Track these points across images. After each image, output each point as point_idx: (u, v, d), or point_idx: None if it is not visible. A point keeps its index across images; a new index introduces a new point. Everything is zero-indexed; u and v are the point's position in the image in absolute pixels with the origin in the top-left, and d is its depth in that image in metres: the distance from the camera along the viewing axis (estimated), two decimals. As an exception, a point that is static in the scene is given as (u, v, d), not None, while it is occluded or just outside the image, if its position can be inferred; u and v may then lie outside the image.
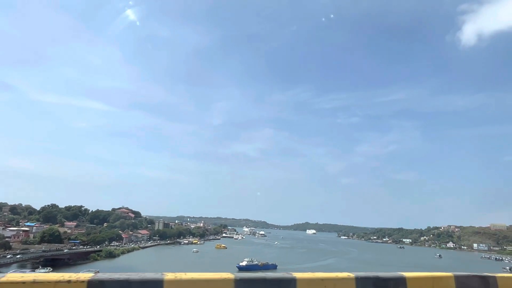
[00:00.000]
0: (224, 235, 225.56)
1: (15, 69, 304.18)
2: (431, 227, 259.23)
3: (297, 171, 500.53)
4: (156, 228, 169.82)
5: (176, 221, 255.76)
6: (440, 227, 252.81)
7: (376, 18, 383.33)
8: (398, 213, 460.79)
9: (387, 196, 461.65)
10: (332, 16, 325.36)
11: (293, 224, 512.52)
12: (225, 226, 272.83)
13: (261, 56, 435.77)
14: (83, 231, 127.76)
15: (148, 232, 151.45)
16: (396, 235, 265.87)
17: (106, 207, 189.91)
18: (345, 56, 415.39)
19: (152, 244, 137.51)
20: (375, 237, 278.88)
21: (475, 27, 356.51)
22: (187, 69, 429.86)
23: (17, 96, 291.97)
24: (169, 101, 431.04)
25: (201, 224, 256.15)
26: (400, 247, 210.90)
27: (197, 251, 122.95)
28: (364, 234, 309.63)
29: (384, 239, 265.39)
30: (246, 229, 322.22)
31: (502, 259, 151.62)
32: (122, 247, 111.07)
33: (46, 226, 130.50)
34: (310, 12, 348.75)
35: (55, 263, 74.97)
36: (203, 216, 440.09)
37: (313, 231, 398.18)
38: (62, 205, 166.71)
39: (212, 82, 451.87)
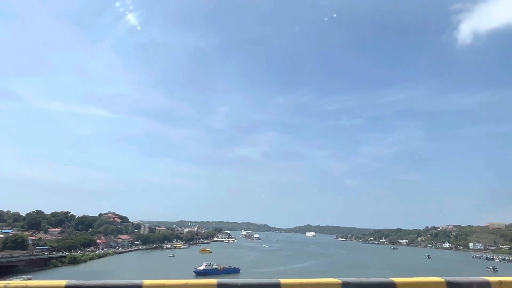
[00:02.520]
0: (215, 239, 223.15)
1: (18, 77, 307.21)
2: (429, 227, 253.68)
3: (300, 174, 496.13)
4: (141, 232, 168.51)
5: (174, 226, 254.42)
6: (438, 227, 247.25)
7: (375, 18, 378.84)
8: (399, 214, 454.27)
9: (389, 197, 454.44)
10: (334, 15, 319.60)
11: (294, 227, 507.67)
12: (219, 230, 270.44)
13: (262, 59, 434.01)
14: (61, 237, 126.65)
15: (129, 237, 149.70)
16: (393, 236, 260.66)
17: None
18: (345, 57, 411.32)
19: (131, 249, 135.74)
20: (372, 238, 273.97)
21: (471, 26, 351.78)
22: (188, 74, 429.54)
23: (20, 105, 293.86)
24: (171, 106, 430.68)
25: (195, 229, 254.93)
26: (393, 248, 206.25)
27: (173, 256, 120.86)
28: (362, 235, 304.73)
29: (381, 240, 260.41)
30: (244, 232, 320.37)
31: (493, 258, 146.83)
32: (93, 253, 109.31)
33: (26, 233, 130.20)
34: (311, 14, 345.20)
35: (8, 271, 73.38)
36: (205, 221, 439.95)
37: (313, 233, 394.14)
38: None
39: (214, 87, 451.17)
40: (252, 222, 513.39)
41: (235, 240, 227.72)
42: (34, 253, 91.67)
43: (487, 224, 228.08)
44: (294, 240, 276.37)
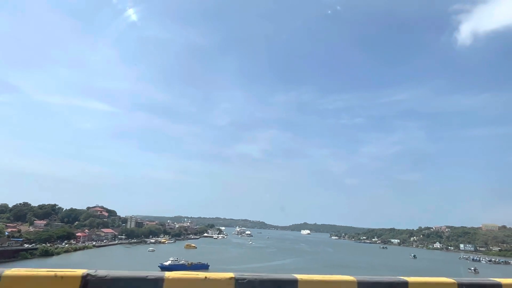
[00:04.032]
0: (205, 234, 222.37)
1: (18, 70, 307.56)
2: (423, 227, 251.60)
3: (300, 172, 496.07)
4: (128, 226, 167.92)
5: (168, 221, 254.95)
6: (432, 228, 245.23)
7: (377, 17, 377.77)
8: (395, 214, 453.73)
9: (387, 197, 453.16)
10: (338, 7, 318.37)
11: (291, 224, 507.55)
12: (211, 226, 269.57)
13: (264, 56, 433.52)
14: (41, 230, 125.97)
15: (113, 231, 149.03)
16: (386, 236, 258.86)
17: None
18: (347, 56, 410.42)
19: (112, 243, 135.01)
20: (365, 238, 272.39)
21: (471, 27, 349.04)
22: (189, 70, 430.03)
23: (21, 97, 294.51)
24: (172, 102, 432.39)
25: (187, 224, 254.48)
26: (382, 247, 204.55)
27: (153, 250, 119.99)
28: (356, 234, 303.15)
29: (373, 240, 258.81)
30: (237, 229, 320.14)
31: (479, 260, 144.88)
32: (70, 245, 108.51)
33: (10, 225, 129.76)
34: (313, 11, 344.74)
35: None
36: (202, 216, 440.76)
37: (308, 231, 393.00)
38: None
39: (215, 83, 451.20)
40: (249, 219, 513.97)
41: (225, 237, 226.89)
42: (7, 245, 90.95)
43: (481, 226, 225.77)
44: (286, 237, 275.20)
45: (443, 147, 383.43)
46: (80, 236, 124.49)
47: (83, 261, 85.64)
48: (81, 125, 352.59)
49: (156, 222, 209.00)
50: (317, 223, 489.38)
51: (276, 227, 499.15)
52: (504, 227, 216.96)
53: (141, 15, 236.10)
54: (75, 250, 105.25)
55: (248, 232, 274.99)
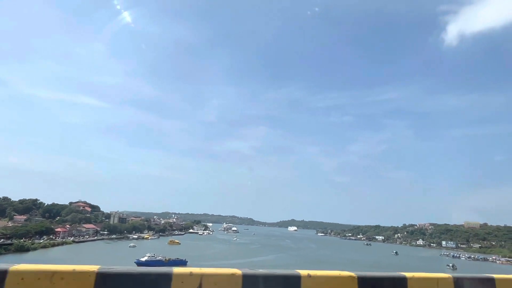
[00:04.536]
0: (191, 230, 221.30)
1: (3, 62, 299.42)
2: (407, 224, 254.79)
3: (289, 169, 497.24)
4: (111, 222, 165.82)
5: (155, 217, 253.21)
6: (416, 225, 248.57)
7: (367, 16, 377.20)
8: (381, 211, 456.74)
9: (374, 195, 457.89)
10: (328, 6, 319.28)
11: (279, 221, 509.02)
12: (198, 222, 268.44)
13: (255, 53, 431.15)
14: (20, 225, 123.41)
15: (95, 226, 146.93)
16: (371, 232, 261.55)
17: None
18: (338, 54, 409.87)
19: (93, 238, 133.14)
20: (350, 234, 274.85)
21: (457, 28, 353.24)
22: (180, 66, 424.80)
23: (7, 90, 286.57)
24: (162, 98, 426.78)
25: (172, 220, 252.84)
26: (366, 244, 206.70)
27: (134, 246, 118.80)
28: (342, 231, 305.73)
29: (358, 236, 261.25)
30: (224, 225, 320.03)
31: (459, 256, 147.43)
32: (48, 241, 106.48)
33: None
34: (303, 9, 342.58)
35: None
36: (190, 212, 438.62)
37: (294, 228, 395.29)
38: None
39: (205, 79, 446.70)
40: (237, 216, 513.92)
41: (211, 233, 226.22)
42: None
43: (463, 223, 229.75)
44: (273, 234, 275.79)
45: (430, 146, 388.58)
46: (60, 231, 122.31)
47: (60, 257, 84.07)
48: (69, 119, 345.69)
49: (142, 218, 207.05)
50: (305, 219, 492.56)
51: (264, 224, 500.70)
52: (485, 224, 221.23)
53: (131, 8, 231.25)
54: (53, 245, 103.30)
55: (234, 228, 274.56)
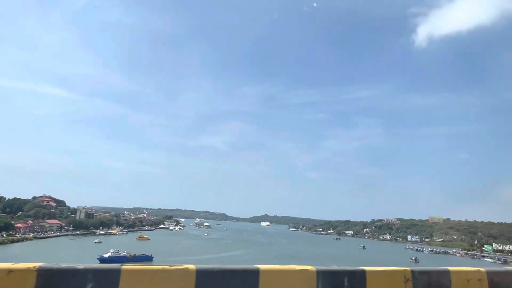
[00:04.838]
0: (161, 226, 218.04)
1: None
2: (375, 219, 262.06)
3: (263, 165, 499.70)
4: (77, 217, 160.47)
5: (125, 212, 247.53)
6: (384, 220, 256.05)
7: (342, 15, 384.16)
8: (352, 207, 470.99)
9: (346, 191, 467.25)
10: (305, 8, 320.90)
11: (252, 216, 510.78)
12: (169, 217, 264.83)
13: (232, 48, 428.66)
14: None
15: (59, 222, 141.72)
16: (341, 227, 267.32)
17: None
18: (314, 52, 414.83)
19: (57, 234, 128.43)
20: (321, 229, 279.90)
21: (427, 30, 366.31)
22: (154, 58, 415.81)
23: None
24: (135, 90, 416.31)
25: (144, 215, 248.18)
26: (336, 239, 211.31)
27: (100, 242, 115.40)
28: (313, 226, 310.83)
29: (329, 231, 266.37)
30: (197, 220, 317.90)
31: (422, 250, 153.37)
32: (7, 237, 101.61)
33: None
34: (281, 6, 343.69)
35: None
36: (162, 208, 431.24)
37: (267, 223, 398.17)
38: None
39: (181, 72, 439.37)
40: (211, 211, 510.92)
41: (182, 228, 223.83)
42: None
43: (428, 218, 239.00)
44: (245, 229, 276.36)
45: (400, 144, 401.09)
46: (21, 227, 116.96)
47: (17, 253, 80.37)
48: (34, 110, 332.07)
49: (111, 213, 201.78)
50: (278, 215, 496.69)
51: (238, 219, 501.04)
52: (448, 219, 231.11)
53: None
54: (12, 242, 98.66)
55: (206, 223, 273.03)
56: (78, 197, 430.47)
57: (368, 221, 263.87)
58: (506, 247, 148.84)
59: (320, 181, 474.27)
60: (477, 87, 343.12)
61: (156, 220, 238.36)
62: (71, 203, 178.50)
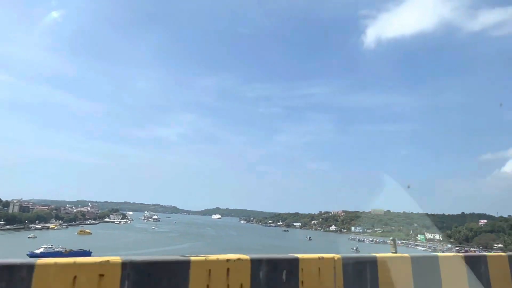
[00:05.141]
0: (106, 219, 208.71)
1: None
2: (323, 211, 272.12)
3: (215, 158, 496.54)
4: (10, 211, 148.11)
5: (67, 205, 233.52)
6: (330, 212, 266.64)
7: (296, 12, 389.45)
8: (302, 199, 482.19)
9: (296, 184, 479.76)
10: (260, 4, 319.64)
11: (204, 209, 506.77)
12: (115, 211, 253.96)
13: (187, 37, 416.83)
14: None
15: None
16: (290, 219, 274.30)
17: None
18: (269, 47, 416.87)
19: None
20: (271, 221, 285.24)
21: (375, 32, 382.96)
22: (102, 43, 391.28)
23: None
24: (80, 76, 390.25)
25: (87, 208, 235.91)
26: (284, 231, 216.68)
27: (35, 237, 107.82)
28: (263, 218, 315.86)
29: (278, 223, 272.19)
30: (146, 213, 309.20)
31: (364, 240, 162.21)
32: None
33: None
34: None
35: None
36: (109, 201, 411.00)
37: (218, 216, 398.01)
38: None
39: (131, 60, 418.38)
40: (161, 204, 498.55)
41: (129, 222, 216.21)
42: None
43: (370, 211, 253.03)
44: (195, 222, 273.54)
45: (348, 140, 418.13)
46: None
47: None
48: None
49: (50, 206, 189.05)
50: (230, 208, 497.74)
51: (189, 212, 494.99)
52: (388, 211, 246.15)
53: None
54: None
55: (155, 216, 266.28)
56: (11, 189, 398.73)
57: (316, 213, 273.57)
58: (436, 236, 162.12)
59: (272, 174, 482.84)
60: (417, 88, 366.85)
61: (100, 213, 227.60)
62: (4, 196, 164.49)
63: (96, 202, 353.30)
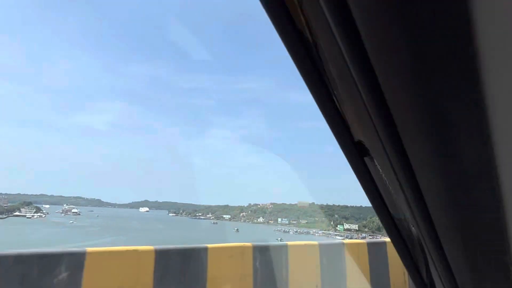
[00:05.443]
0: (17, 213, 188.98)
1: None
2: (252, 204, 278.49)
3: (145, 148, 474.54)
4: None
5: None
6: (259, 204, 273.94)
7: (238, 8, 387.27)
8: (232, 192, 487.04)
9: (228, 176, 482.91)
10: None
11: (131, 202, 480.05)
12: (28, 204, 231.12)
13: (117, 20, 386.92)
14: None
15: None
16: (220, 212, 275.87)
17: None
18: (207, 38, 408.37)
19: None
20: (200, 214, 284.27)
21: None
22: (21, 18, 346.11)
23: None
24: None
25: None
26: (213, 223, 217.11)
27: None
28: (193, 211, 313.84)
29: (208, 216, 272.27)
30: (65, 207, 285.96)
31: (288, 231, 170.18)
32: None
33: None
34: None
35: None
36: (22, 193, 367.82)
37: (146, 209, 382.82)
38: None
39: (54, 37, 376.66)
40: (83, 197, 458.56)
41: (44, 216, 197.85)
42: None
43: (297, 203, 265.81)
44: (121, 215, 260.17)
45: (280, 135, 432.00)
46: None
47: None
48: None
49: None
50: (159, 200, 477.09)
51: (114, 205, 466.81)
52: (313, 203, 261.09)
53: None
54: None
55: (75, 210, 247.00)
56: None
57: (245, 205, 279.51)
58: (354, 226, 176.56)
59: (204, 167, 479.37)
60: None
61: (10, 207, 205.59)
62: None
63: (6, 194, 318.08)
